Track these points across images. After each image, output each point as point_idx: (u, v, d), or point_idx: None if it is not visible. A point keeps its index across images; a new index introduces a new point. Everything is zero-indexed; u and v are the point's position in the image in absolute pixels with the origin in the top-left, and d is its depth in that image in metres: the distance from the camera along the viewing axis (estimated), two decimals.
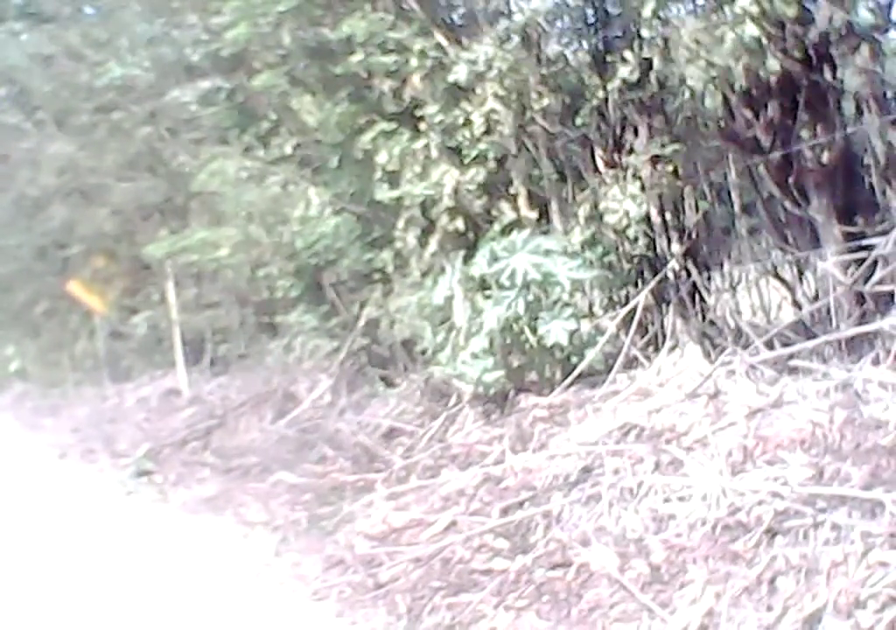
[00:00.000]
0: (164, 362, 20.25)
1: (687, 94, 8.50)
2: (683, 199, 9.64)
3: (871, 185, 8.61)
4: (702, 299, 9.63)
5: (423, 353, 11.06)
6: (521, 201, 10.20)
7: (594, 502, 6.72)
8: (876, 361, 7.32)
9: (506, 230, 9.92)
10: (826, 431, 6.52)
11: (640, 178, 9.15)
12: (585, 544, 6.26)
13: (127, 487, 12.44)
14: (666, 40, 8.45)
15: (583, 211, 9.56)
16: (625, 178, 9.23)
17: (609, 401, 8.47)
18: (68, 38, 19.36)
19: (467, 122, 9.84)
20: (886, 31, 8.54)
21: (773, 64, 7.76)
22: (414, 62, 9.98)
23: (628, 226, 9.19)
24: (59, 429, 20.08)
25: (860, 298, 8.19)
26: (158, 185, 17.39)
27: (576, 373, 9.16)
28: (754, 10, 7.50)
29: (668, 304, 9.51)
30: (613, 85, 8.94)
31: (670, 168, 9.29)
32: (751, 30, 7.55)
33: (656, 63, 8.62)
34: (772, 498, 5.92)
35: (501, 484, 7.83)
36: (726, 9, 7.67)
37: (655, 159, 9.32)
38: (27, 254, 24.82)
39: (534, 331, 9.26)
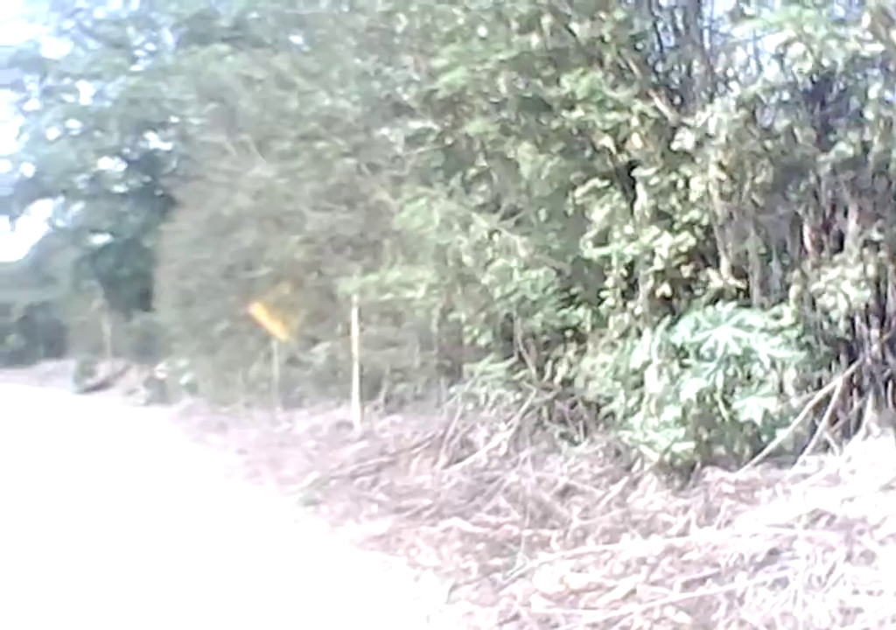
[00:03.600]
0: (337, 394, 20.49)
1: None
2: (887, 284, 9.64)
3: None
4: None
5: (609, 415, 11.12)
6: (725, 273, 10.27)
7: (780, 587, 6.80)
8: None
9: (711, 301, 10.02)
10: None
11: (862, 262, 9.16)
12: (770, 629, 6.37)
13: (294, 515, 12.70)
14: (889, 122, 8.50)
15: (793, 290, 9.60)
16: (842, 261, 9.25)
17: (798, 483, 8.51)
18: (277, 64, 19.86)
19: (684, 187, 10.03)
20: None
21: None
22: (634, 122, 10.15)
23: (841, 310, 9.18)
24: (227, 447, 20.45)
25: None
26: (354, 218, 17.62)
27: (765, 452, 9.20)
28: None
29: (863, 390, 9.51)
30: (829, 161, 8.96)
31: (881, 253, 9.29)
32: None
33: (876, 144, 8.66)
34: None
35: (684, 556, 7.92)
36: None
37: (863, 244, 9.37)
38: (214, 271, 25.55)
39: (727, 405, 9.36)
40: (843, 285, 9.07)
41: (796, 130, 9.63)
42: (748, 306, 9.92)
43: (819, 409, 9.37)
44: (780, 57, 9.11)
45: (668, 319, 10.09)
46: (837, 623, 6.29)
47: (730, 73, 10.43)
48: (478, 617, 7.76)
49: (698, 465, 9.58)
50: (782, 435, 9.29)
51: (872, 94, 8.41)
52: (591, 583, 7.91)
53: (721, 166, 9.53)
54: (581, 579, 8.04)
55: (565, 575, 8.18)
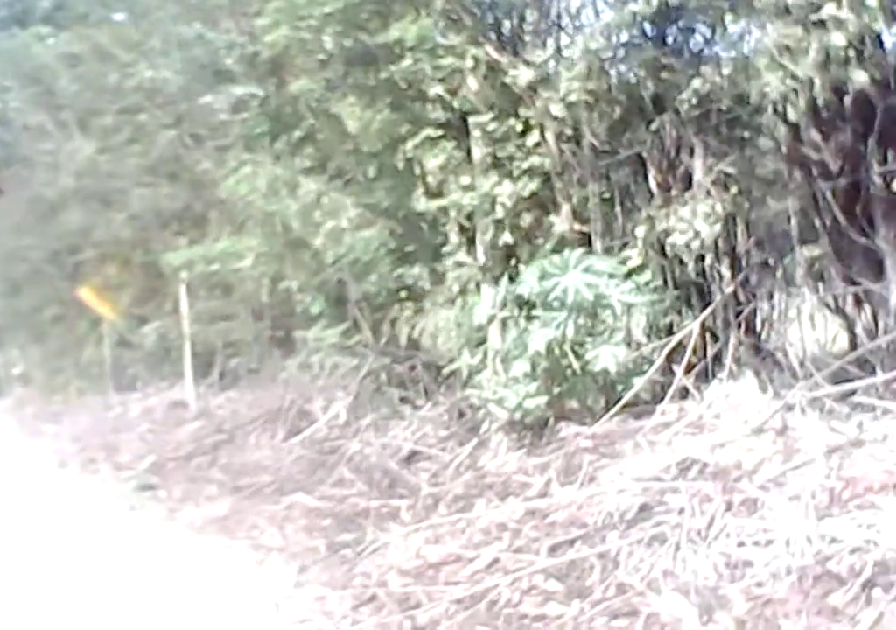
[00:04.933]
0: (171, 374, 19.64)
1: (765, 110, 7.96)
2: (736, 224, 9.04)
3: None
4: (755, 330, 9.10)
5: (451, 374, 10.55)
6: (566, 219, 9.64)
7: (657, 544, 6.06)
8: None
9: (556, 248, 9.35)
10: None
11: (712, 196, 8.54)
12: (652, 591, 5.59)
13: (130, 502, 11.69)
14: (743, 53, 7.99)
15: (641, 232, 8.93)
16: (692, 197, 8.62)
17: (661, 433, 7.86)
18: (98, 38, 18.81)
19: (522, 132, 9.42)
20: None
21: (860, 75, 7.18)
22: (470, 64, 9.50)
23: (692, 249, 8.57)
24: (61, 436, 19.30)
25: None
26: (179, 191, 16.79)
27: (622, 402, 8.54)
28: (842, 15, 6.95)
29: (718, 333, 8.95)
30: (685, 98, 8.33)
31: (731, 190, 8.69)
32: (837, 39, 7.01)
33: (729, 77, 8.07)
34: (867, 546, 5.30)
35: (547, 519, 7.13)
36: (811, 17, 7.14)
37: (712, 181, 8.77)
38: (38, 257, 24.31)
39: (578, 356, 8.68)
40: (694, 222, 8.43)
41: (635, 71, 9.07)
42: (591, 253, 9.26)
43: (675, 355, 8.78)
44: None
45: (511, 271, 9.46)
46: (725, 578, 5.55)
47: (564, 19, 10.12)
48: (330, 601, 6.84)
49: (551, 420, 8.92)
50: (638, 384, 8.66)
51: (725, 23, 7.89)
52: (449, 554, 7.07)
53: (562, 106, 8.85)
54: (438, 551, 7.20)
55: (421, 547, 7.34)
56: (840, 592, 5.02)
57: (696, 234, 8.40)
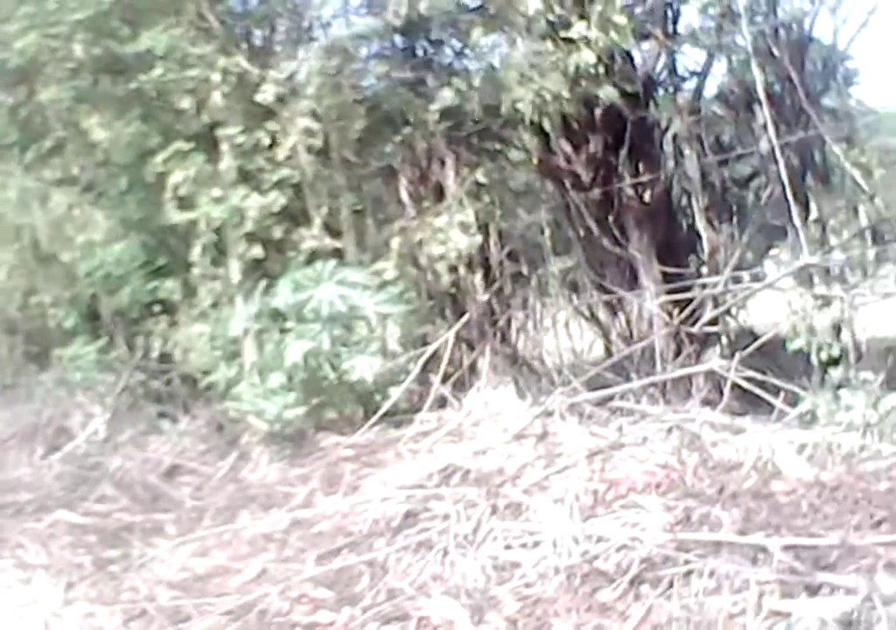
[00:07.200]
0: None
1: (515, 122, 7.98)
2: (489, 235, 9.05)
3: (689, 225, 8.35)
4: (510, 339, 9.26)
5: (209, 387, 10.25)
6: (317, 231, 9.49)
7: (425, 549, 5.99)
8: (706, 403, 7.11)
9: (309, 260, 9.24)
10: (681, 474, 6.05)
11: (473, 207, 8.54)
12: (422, 595, 5.47)
13: None
14: (491, 66, 7.94)
15: (395, 244, 8.87)
16: (447, 208, 8.58)
17: (421, 441, 7.88)
18: None
19: (271, 145, 9.27)
20: (705, 75, 8.31)
21: (609, 90, 7.28)
22: (217, 78, 9.24)
23: (448, 259, 8.55)
24: None
25: (678, 339, 8.00)
26: None
27: (380, 412, 8.52)
28: (591, 35, 7.01)
29: (474, 342, 9.05)
30: (434, 110, 8.31)
31: (484, 200, 8.69)
32: (588, 56, 7.07)
33: (480, 89, 8.06)
34: (633, 543, 5.31)
35: (313, 529, 7.00)
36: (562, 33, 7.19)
37: (465, 193, 8.81)
38: None
39: (334, 367, 8.62)
40: (451, 232, 8.43)
41: (389, 81, 9.13)
42: (345, 265, 9.17)
43: (431, 364, 8.80)
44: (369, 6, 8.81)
45: (264, 283, 9.29)
46: (494, 580, 5.49)
47: (316, 28, 9.91)
48: (100, 617, 6.52)
49: (311, 431, 8.85)
50: (395, 393, 8.64)
51: (475, 37, 7.89)
52: (217, 566, 6.87)
53: (310, 119, 8.75)
54: (206, 563, 6.99)
55: (188, 560, 7.12)
56: (608, 589, 5.01)
57: (456, 244, 8.39)
